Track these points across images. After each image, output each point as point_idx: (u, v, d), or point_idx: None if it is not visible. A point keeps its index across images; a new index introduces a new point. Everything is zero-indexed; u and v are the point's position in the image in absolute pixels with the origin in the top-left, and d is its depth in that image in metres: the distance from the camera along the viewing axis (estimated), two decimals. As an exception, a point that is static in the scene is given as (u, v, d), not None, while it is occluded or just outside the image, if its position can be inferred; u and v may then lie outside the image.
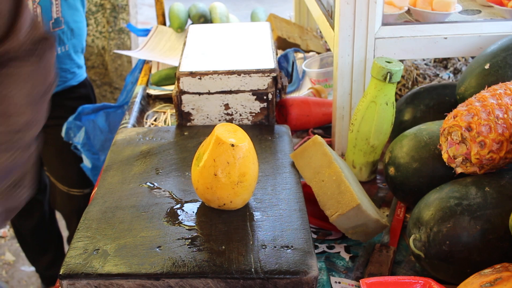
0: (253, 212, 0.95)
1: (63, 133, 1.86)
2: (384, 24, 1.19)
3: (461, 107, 0.94)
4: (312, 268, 0.82)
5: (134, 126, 1.44)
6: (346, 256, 1.02)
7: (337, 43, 1.19)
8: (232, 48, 1.36)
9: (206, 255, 0.85)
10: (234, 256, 0.85)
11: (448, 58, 1.62)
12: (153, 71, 1.83)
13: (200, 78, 1.22)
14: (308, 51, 1.87)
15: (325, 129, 1.45)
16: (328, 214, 0.97)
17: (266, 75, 1.22)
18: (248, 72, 1.21)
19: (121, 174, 1.06)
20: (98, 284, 0.82)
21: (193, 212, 0.95)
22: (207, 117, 1.26)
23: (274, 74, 1.22)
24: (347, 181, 0.98)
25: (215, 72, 1.22)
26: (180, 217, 0.94)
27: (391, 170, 1.08)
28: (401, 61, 1.46)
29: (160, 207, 0.96)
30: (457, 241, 0.85)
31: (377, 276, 0.95)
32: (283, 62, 1.71)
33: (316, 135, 1.08)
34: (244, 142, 0.92)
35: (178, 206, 0.97)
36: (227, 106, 1.24)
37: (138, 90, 1.64)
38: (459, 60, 1.61)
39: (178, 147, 1.15)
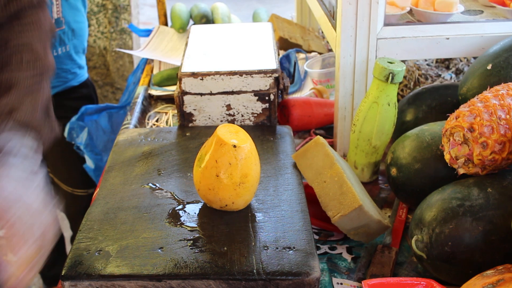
0: (255, 213, 0.95)
1: (65, 134, 1.86)
2: (386, 24, 1.19)
3: (463, 108, 0.94)
4: (314, 269, 0.82)
5: (136, 126, 1.44)
6: (348, 257, 1.01)
7: (339, 44, 1.19)
8: (234, 48, 1.36)
9: (208, 256, 0.85)
10: (236, 257, 0.85)
11: (450, 59, 1.62)
12: (155, 71, 1.83)
13: (202, 79, 1.22)
14: (310, 52, 1.87)
15: (327, 129, 1.45)
16: (330, 215, 0.97)
17: (268, 75, 1.21)
18: (250, 73, 1.21)
19: (123, 175, 1.06)
20: (100, 286, 0.82)
21: (195, 213, 0.95)
22: (209, 118, 1.26)
23: (276, 75, 1.22)
24: (349, 182, 0.97)
25: (217, 73, 1.22)
26: (182, 218, 0.93)
27: (393, 171, 1.08)
28: (403, 61, 1.46)
29: (162, 208, 0.96)
30: (459, 242, 0.85)
31: (379, 277, 0.94)
32: (285, 62, 1.70)
33: (318, 136, 1.08)
34: (246, 143, 0.92)
35: (180, 207, 0.97)
36: (229, 107, 1.24)
37: (140, 91, 1.64)
38: (461, 61, 1.61)
39: (180, 148, 1.15)
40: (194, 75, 1.22)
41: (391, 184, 1.10)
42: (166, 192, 1.01)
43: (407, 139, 1.07)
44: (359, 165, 1.20)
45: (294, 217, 0.93)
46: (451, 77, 1.56)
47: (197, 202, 0.98)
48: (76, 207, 2.09)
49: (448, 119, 0.95)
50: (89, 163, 1.86)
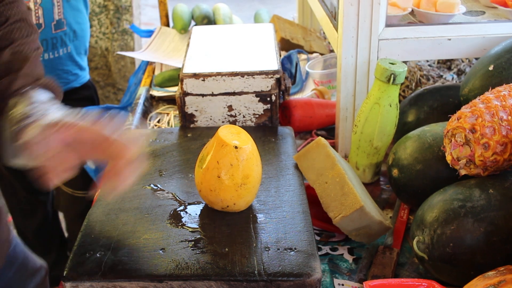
0: (257, 214, 0.95)
1: None
2: (387, 25, 1.19)
3: (465, 109, 0.94)
4: (315, 270, 0.82)
5: (137, 127, 1.44)
6: (350, 258, 1.01)
7: (340, 44, 1.19)
8: (236, 49, 1.36)
9: (209, 257, 0.85)
10: (237, 258, 0.85)
11: (452, 60, 1.62)
12: (157, 72, 1.83)
13: (203, 80, 1.22)
14: (311, 52, 1.87)
15: (329, 130, 1.45)
16: (331, 216, 0.97)
17: (269, 76, 1.21)
18: (251, 74, 1.21)
19: (124, 176, 1.06)
20: (101, 286, 0.82)
21: (196, 214, 0.95)
22: (211, 119, 1.26)
23: (278, 76, 1.22)
24: (351, 182, 0.97)
25: (218, 74, 1.22)
26: (183, 219, 0.93)
27: (395, 172, 1.08)
28: (405, 62, 1.46)
29: (163, 209, 0.96)
30: (461, 243, 0.85)
31: (381, 278, 0.94)
32: (286, 63, 1.71)
33: (320, 137, 1.08)
34: (247, 144, 0.92)
35: (181, 208, 0.97)
36: (230, 108, 1.24)
37: (142, 92, 1.64)
38: (463, 61, 1.61)
39: (181, 148, 1.15)
40: (195, 76, 1.22)
41: (392, 185, 1.10)
42: (167, 193, 1.01)
43: (409, 140, 1.07)
44: (361, 166, 1.20)
45: (295, 218, 0.93)
46: (452, 78, 1.56)
47: (199, 203, 0.98)
48: (75, 209, 2.09)
49: (450, 120, 0.95)
50: (90, 164, 1.86)
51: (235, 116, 1.25)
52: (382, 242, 1.05)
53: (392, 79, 1.08)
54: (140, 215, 0.95)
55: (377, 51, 1.19)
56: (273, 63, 1.25)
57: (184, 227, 0.92)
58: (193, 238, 0.89)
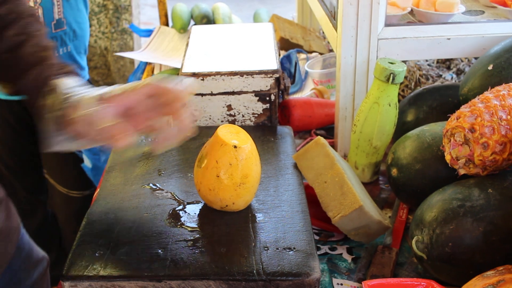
0: (256, 214, 0.95)
1: None
2: (387, 25, 1.19)
3: (464, 108, 0.94)
4: (314, 270, 0.82)
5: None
6: (349, 258, 1.01)
7: (340, 44, 1.19)
8: (235, 49, 1.36)
9: (208, 257, 0.85)
10: (236, 258, 0.84)
11: (451, 59, 1.62)
12: (156, 71, 1.83)
13: (202, 79, 1.22)
14: (310, 52, 1.87)
15: (328, 130, 1.45)
16: (330, 216, 0.97)
17: (268, 76, 1.21)
18: (250, 73, 1.21)
19: (123, 175, 1.06)
20: (100, 286, 0.82)
21: (195, 213, 0.95)
22: (210, 118, 1.26)
23: (277, 75, 1.22)
24: (350, 182, 0.97)
25: (217, 73, 1.22)
26: (182, 219, 0.93)
27: (394, 171, 1.08)
28: (404, 62, 1.45)
29: (162, 209, 0.96)
30: (460, 243, 0.85)
31: (379, 277, 0.94)
32: (285, 62, 1.71)
33: (319, 136, 1.08)
34: (246, 143, 0.92)
35: (180, 207, 0.96)
36: (229, 107, 1.24)
37: (141, 91, 1.64)
38: (462, 61, 1.61)
39: (181, 148, 1.15)
40: (195, 75, 1.22)
41: (391, 185, 1.10)
42: (166, 192, 1.01)
43: (408, 140, 1.07)
44: (360, 166, 1.20)
45: (294, 218, 0.93)
46: (452, 78, 1.56)
47: (198, 202, 0.98)
48: (69, 209, 2.09)
49: (449, 119, 0.95)
50: (87, 163, 1.87)
51: (234, 116, 1.25)
52: (381, 241, 1.05)
53: (391, 78, 1.08)
54: (139, 214, 0.95)
55: (377, 50, 1.19)
56: (272, 63, 1.25)
57: (183, 226, 0.92)
58: (192, 238, 0.89)
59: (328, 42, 1.94)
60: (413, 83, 1.52)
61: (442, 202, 0.89)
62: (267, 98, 1.23)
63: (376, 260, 0.99)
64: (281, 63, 1.67)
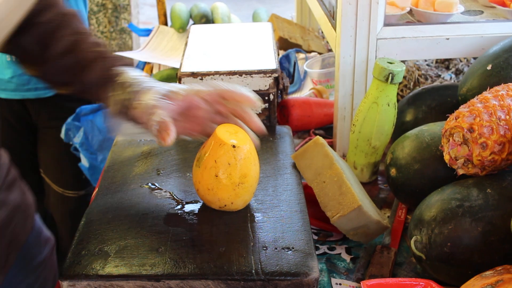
0: (254, 213, 0.95)
1: (62, 135, 1.86)
2: (386, 24, 1.19)
3: (463, 108, 0.94)
4: (313, 270, 0.82)
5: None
6: (347, 258, 1.01)
7: (338, 44, 1.19)
8: (234, 48, 1.36)
9: (206, 257, 0.85)
10: (234, 258, 0.84)
11: (450, 59, 1.62)
12: (155, 71, 1.83)
13: (201, 79, 1.22)
14: (309, 52, 1.87)
15: (327, 129, 1.45)
16: (329, 215, 0.97)
17: (267, 75, 1.21)
18: (249, 73, 1.21)
19: (122, 175, 1.06)
20: (99, 286, 0.82)
21: (194, 213, 0.95)
22: (208, 118, 1.25)
23: (276, 75, 1.22)
24: (348, 182, 0.97)
25: (216, 73, 1.21)
26: (181, 218, 0.93)
27: (393, 171, 1.08)
28: (403, 61, 1.46)
29: (160, 208, 0.96)
30: (459, 243, 0.85)
31: (378, 277, 0.94)
32: (284, 62, 1.71)
33: (318, 136, 1.08)
34: (245, 143, 0.92)
35: (179, 207, 0.96)
36: (228, 107, 1.24)
37: (140, 90, 1.63)
38: (461, 61, 1.61)
39: (179, 147, 1.15)
40: (193, 75, 1.22)
41: (390, 185, 1.10)
42: (165, 192, 1.01)
43: (407, 140, 1.07)
44: (359, 166, 1.20)
45: (293, 217, 0.93)
46: (451, 78, 1.56)
47: (196, 202, 0.98)
48: (64, 209, 2.08)
49: (448, 119, 0.95)
50: (84, 162, 1.87)
51: (233, 115, 1.25)
52: (379, 241, 1.05)
53: (390, 78, 1.08)
54: (138, 214, 0.94)
55: (375, 50, 1.19)
56: (271, 62, 1.25)
57: (182, 226, 0.91)
58: (190, 237, 0.89)
59: (327, 42, 1.94)
60: (412, 83, 1.52)
61: (440, 202, 0.89)
62: (266, 98, 1.23)
63: (374, 260, 0.99)
64: (280, 62, 1.67)
